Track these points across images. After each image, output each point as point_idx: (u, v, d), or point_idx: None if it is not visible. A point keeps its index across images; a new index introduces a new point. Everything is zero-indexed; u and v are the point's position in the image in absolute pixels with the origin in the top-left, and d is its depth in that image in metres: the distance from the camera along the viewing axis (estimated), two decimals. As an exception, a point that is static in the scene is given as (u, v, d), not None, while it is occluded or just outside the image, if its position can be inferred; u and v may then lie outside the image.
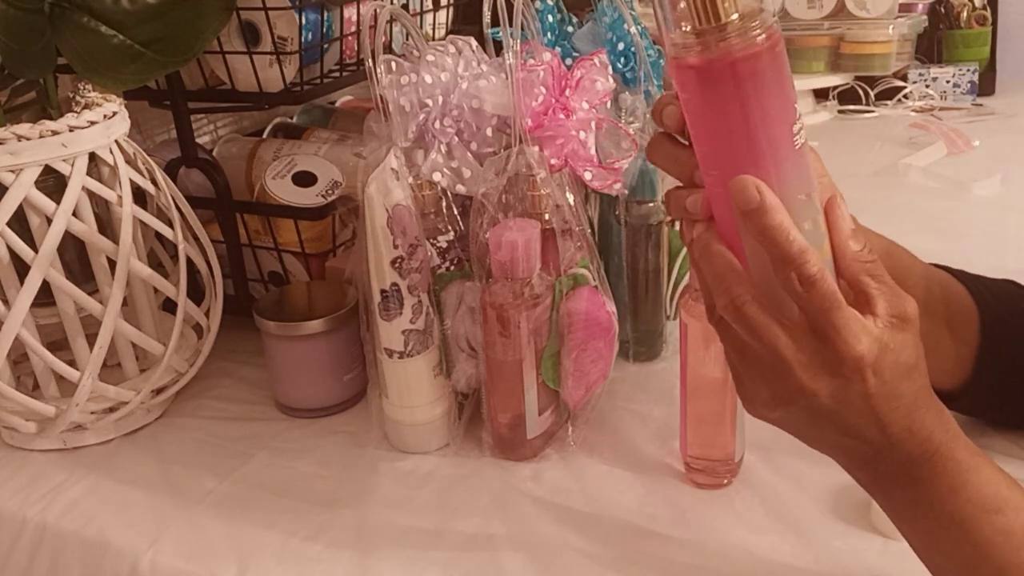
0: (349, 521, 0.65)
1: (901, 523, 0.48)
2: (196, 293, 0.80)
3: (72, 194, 0.68)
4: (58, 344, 0.75)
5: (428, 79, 0.68)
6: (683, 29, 0.41)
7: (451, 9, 1.06)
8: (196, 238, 0.79)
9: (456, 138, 0.69)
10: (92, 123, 0.70)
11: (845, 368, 0.42)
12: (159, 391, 0.78)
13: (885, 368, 0.43)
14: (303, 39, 0.80)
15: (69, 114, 0.70)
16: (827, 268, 0.43)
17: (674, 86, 0.43)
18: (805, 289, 0.42)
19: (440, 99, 0.68)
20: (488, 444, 0.71)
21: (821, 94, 1.64)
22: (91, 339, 0.71)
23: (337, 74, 0.88)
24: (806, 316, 0.43)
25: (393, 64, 0.68)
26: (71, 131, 0.68)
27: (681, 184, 0.47)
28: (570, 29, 0.87)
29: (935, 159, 1.33)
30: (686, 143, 0.46)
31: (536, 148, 0.68)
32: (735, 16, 0.40)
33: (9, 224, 0.67)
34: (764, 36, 0.40)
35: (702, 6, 0.40)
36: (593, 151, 0.71)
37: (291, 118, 1.07)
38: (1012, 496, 0.45)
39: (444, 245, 0.70)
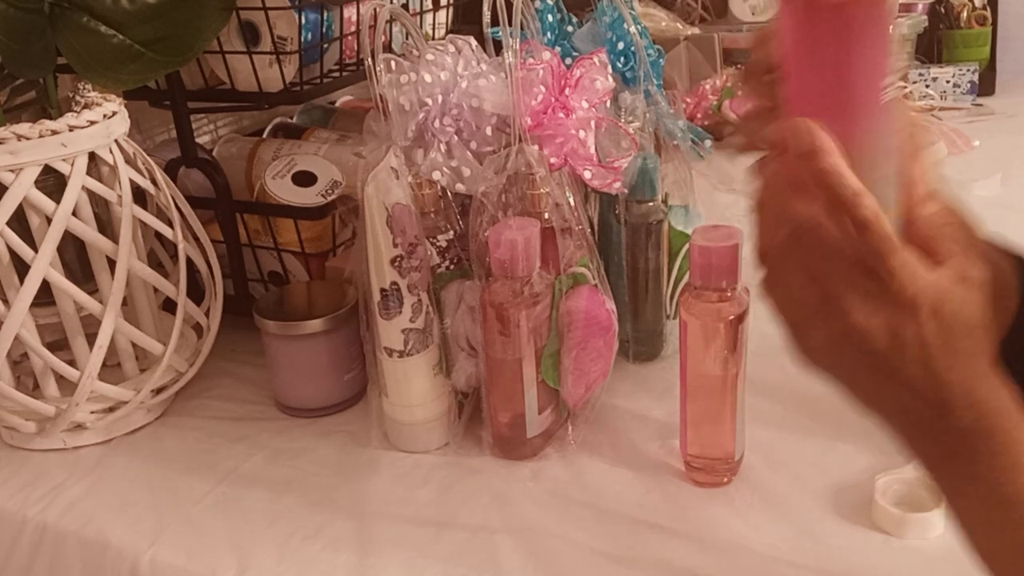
0: (349, 521, 0.65)
1: (955, 500, 0.46)
2: (196, 293, 0.80)
3: (72, 194, 0.68)
4: (58, 344, 0.74)
5: (428, 78, 0.68)
6: None
7: (451, 9, 1.06)
8: (196, 238, 0.79)
9: (456, 137, 0.69)
10: (92, 123, 0.70)
11: (899, 309, 0.41)
12: (159, 391, 0.78)
13: (943, 317, 0.41)
14: (303, 39, 0.80)
15: (69, 114, 0.70)
16: (890, 221, 0.41)
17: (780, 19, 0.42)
18: (858, 232, 0.40)
19: (440, 98, 0.68)
20: (488, 443, 0.71)
21: (821, 94, 1.64)
22: (91, 339, 0.71)
23: (337, 74, 0.89)
24: (859, 261, 0.41)
25: (393, 63, 0.68)
26: (71, 131, 0.68)
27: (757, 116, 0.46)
28: (570, 29, 0.87)
29: (935, 159, 1.33)
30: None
31: (536, 147, 0.68)
32: None
33: (9, 224, 0.67)
34: None
35: None
36: (593, 150, 0.71)
37: (291, 118, 1.07)
38: None
39: (444, 244, 0.70)
